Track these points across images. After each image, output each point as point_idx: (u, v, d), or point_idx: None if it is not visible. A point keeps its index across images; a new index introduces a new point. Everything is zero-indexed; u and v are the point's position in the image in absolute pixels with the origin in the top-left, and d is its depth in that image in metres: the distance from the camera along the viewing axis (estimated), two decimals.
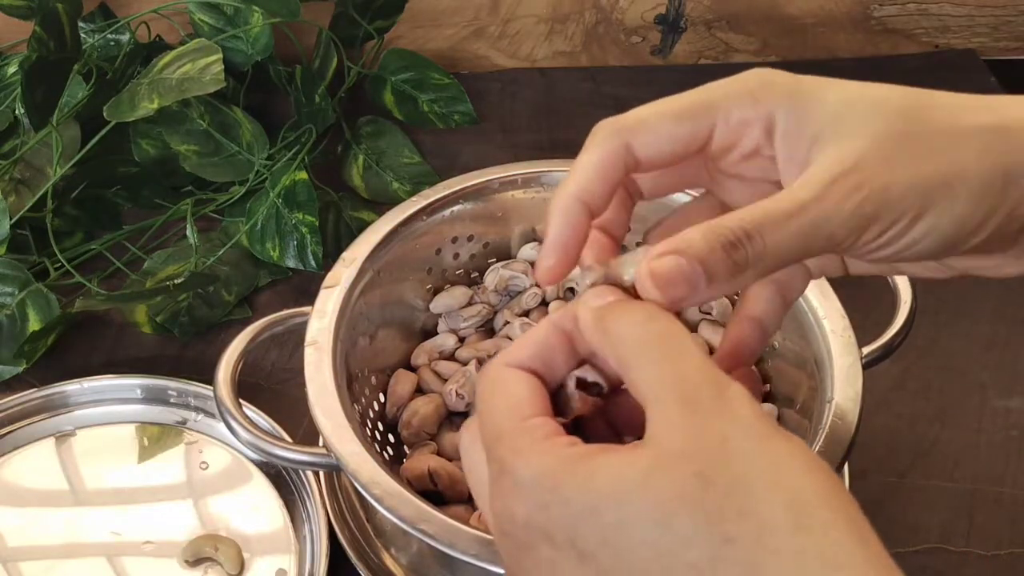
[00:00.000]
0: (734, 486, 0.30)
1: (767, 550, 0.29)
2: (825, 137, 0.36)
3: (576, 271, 0.38)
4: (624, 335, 0.33)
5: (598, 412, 0.37)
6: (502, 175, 0.66)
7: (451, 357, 0.66)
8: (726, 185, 0.40)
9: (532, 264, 0.68)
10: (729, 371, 0.35)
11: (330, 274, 0.60)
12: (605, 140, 0.37)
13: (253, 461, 0.65)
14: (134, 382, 0.69)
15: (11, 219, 0.74)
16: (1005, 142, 0.36)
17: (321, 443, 0.54)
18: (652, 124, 0.37)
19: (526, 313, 0.66)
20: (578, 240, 0.37)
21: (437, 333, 0.67)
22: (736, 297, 0.55)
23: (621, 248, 0.40)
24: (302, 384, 0.54)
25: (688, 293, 0.34)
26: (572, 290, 0.67)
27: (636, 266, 0.35)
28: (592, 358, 0.36)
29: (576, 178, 0.37)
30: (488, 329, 0.67)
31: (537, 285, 0.67)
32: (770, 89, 0.37)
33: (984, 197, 0.36)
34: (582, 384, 0.36)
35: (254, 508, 0.63)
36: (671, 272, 0.33)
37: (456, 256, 0.67)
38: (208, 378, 0.61)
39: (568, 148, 0.64)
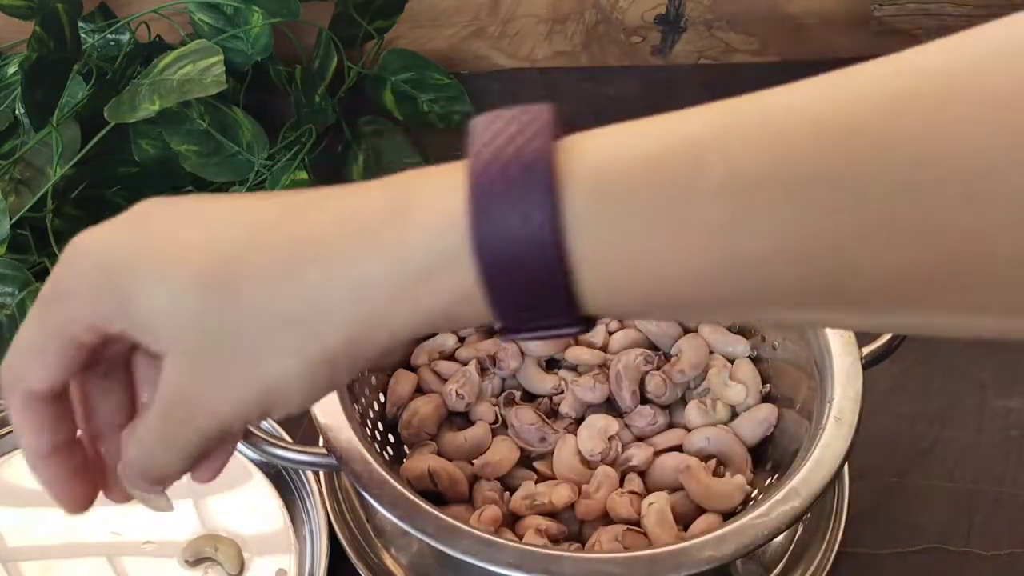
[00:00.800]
0: None
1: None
2: (158, 351, 0.34)
3: None
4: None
5: None
6: None
7: (451, 357, 0.66)
8: (140, 362, 0.39)
9: None
10: None
11: None
12: (12, 402, 0.36)
13: (253, 461, 0.65)
14: None
15: (11, 219, 0.74)
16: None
17: (321, 443, 0.54)
18: (27, 364, 0.35)
19: None
20: (71, 472, 0.39)
21: (437, 333, 0.67)
22: None
23: None
24: None
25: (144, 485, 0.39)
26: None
27: None
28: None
29: (27, 445, 0.37)
30: (488, 329, 0.67)
31: None
32: (86, 301, 0.34)
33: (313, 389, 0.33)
34: None
35: (254, 508, 0.63)
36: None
37: None
38: None
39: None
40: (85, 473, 0.38)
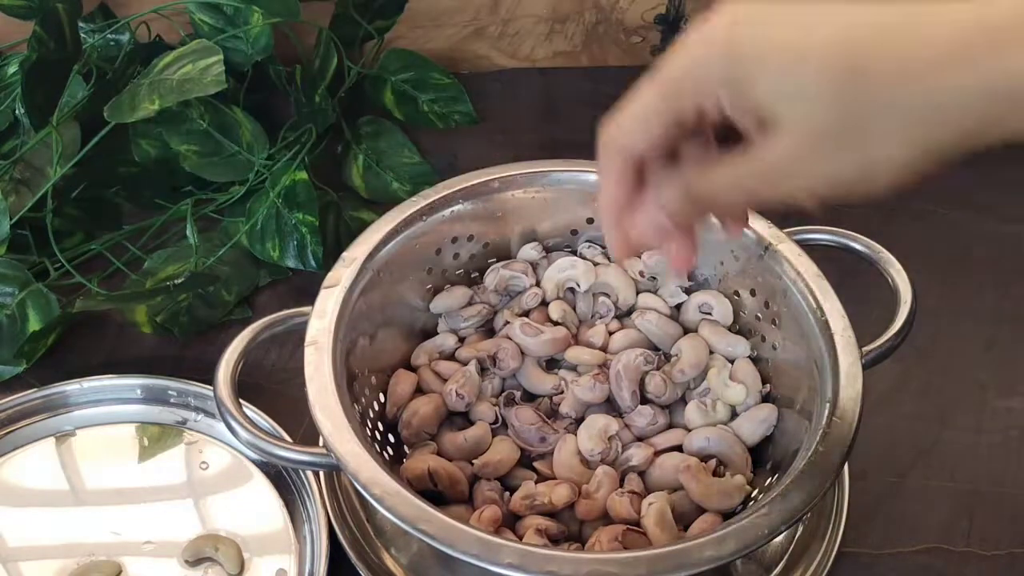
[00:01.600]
0: None
1: None
2: (766, 122, 0.38)
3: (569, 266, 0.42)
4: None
5: None
6: (502, 175, 0.66)
7: (451, 357, 0.66)
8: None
9: (532, 264, 0.68)
10: None
11: (330, 274, 0.60)
12: (610, 160, 0.43)
13: (253, 461, 0.65)
14: (134, 382, 0.69)
15: (11, 219, 0.74)
16: (933, 122, 0.37)
17: (321, 443, 0.54)
18: (629, 130, 0.42)
19: (526, 313, 0.67)
20: (627, 241, 0.46)
21: (437, 333, 0.67)
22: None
23: None
24: (302, 384, 0.54)
25: (659, 238, 0.45)
26: (572, 290, 0.67)
27: None
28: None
29: (606, 194, 0.44)
30: (488, 329, 0.67)
31: (537, 284, 0.67)
32: (705, 74, 0.39)
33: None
34: None
35: (254, 508, 0.63)
36: (644, 228, 0.44)
37: (456, 256, 0.67)
38: (208, 378, 0.61)
39: (568, 148, 0.64)
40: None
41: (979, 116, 0.35)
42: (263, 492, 0.64)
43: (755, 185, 0.40)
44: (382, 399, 0.64)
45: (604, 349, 0.65)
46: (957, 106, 0.35)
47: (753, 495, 0.58)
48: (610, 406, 0.63)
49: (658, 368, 0.63)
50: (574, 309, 0.67)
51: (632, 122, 0.42)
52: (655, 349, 0.65)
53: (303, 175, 0.77)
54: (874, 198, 0.38)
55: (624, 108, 0.42)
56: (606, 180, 0.44)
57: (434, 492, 0.58)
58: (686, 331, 0.65)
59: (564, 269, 0.67)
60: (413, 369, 0.65)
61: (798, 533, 0.60)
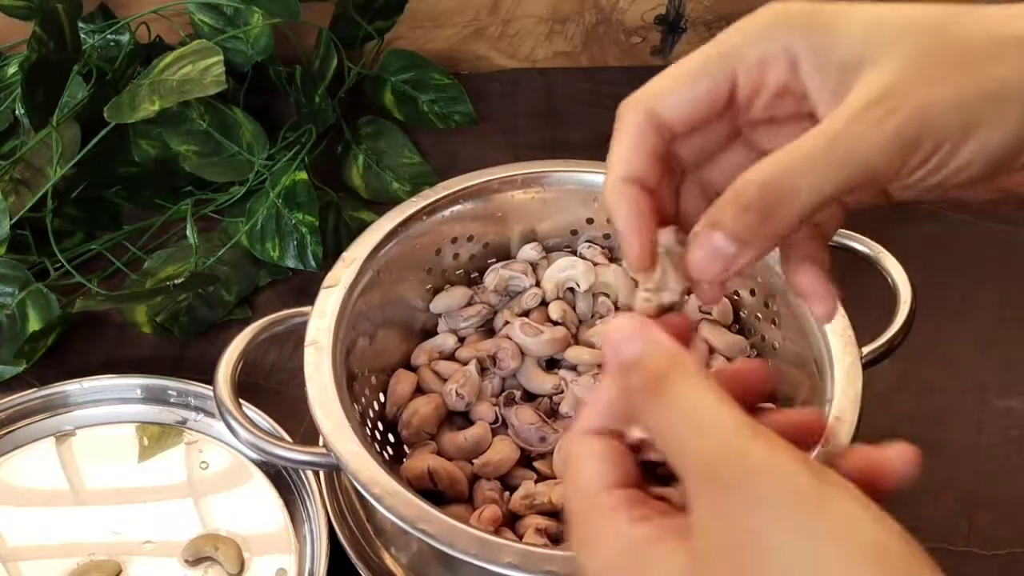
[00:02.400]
0: None
1: None
2: (854, 64, 0.34)
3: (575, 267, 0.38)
4: (658, 423, 0.32)
5: None
6: (502, 175, 0.66)
7: (451, 357, 0.66)
8: (763, 132, 0.39)
9: (532, 264, 0.68)
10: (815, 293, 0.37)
11: (330, 274, 0.60)
12: (630, 116, 0.37)
13: (253, 461, 0.65)
14: (134, 382, 0.69)
15: (11, 219, 0.74)
16: None
17: (321, 443, 0.54)
18: (670, 88, 0.37)
19: (526, 313, 0.67)
20: (646, 219, 0.37)
21: (437, 333, 0.67)
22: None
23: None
24: (302, 384, 0.54)
25: (726, 266, 0.34)
26: (572, 290, 0.67)
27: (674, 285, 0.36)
28: None
29: (616, 164, 0.37)
30: (488, 329, 0.67)
31: (537, 284, 0.67)
32: (786, 22, 0.36)
33: None
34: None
35: (254, 508, 0.63)
36: (704, 260, 0.34)
37: (456, 256, 0.67)
38: (208, 378, 0.61)
39: (568, 148, 0.64)
40: (650, 218, 0.37)
41: None
42: (263, 492, 0.64)
43: (851, 147, 0.33)
44: (382, 399, 0.64)
45: None
46: None
47: None
48: None
49: None
50: (574, 309, 0.67)
51: (668, 80, 0.36)
52: None
53: (303, 175, 0.77)
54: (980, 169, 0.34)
55: (668, 70, 0.37)
56: (616, 144, 0.37)
57: (434, 492, 0.58)
58: None
59: (564, 269, 0.67)
60: (413, 369, 0.65)
61: None
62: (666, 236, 0.37)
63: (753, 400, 0.35)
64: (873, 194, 0.38)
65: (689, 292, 0.37)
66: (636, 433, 0.35)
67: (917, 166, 0.34)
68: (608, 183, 0.37)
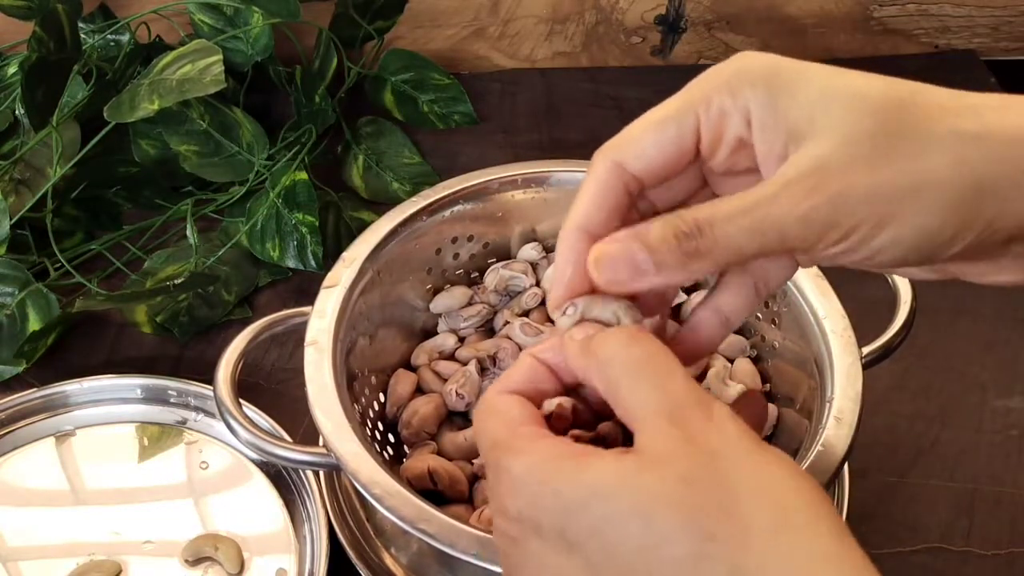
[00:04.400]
0: (717, 488, 0.30)
1: (750, 549, 0.30)
2: (798, 133, 0.35)
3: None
4: (611, 357, 0.34)
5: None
6: (502, 175, 0.66)
7: (451, 357, 0.66)
8: (725, 183, 0.39)
9: (532, 264, 0.68)
10: (685, 360, 0.37)
11: (330, 274, 0.60)
12: (598, 166, 0.37)
13: (253, 461, 0.65)
14: (134, 382, 0.69)
15: (11, 219, 0.74)
16: (982, 151, 0.34)
17: (321, 443, 0.54)
18: (637, 137, 0.37)
19: (526, 313, 0.66)
20: (582, 271, 0.37)
21: (437, 333, 0.67)
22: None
23: None
24: (302, 384, 0.54)
25: (631, 277, 0.35)
26: None
27: (614, 306, 0.37)
28: (577, 388, 0.37)
29: (576, 210, 0.38)
30: (488, 329, 0.67)
31: (537, 284, 0.67)
32: (748, 78, 0.36)
33: (955, 209, 0.34)
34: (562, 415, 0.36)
35: (254, 508, 0.63)
36: (616, 255, 0.35)
37: (456, 256, 0.67)
38: (208, 378, 0.61)
39: (568, 148, 0.64)
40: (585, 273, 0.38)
41: None
42: (263, 492, 0.64)
43: (770, 216, 0.34)
44: (382, 399, 0.64)
45: None
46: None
47: None
48: None
49: None
50: None
51: (638, 128, 0.37)
52: None
53: (303, 175, 0.77)
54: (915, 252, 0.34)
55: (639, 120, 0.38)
56: (581, 192, 0.37)
57: (434, 492, 0.58)
58: None
59: None
60: (413, 369, 0.65)
61: None
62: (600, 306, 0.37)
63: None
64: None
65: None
66: (549, 406, 0.36)
67: (832, 244, 0.35)
68: (564, 228, 0.38)
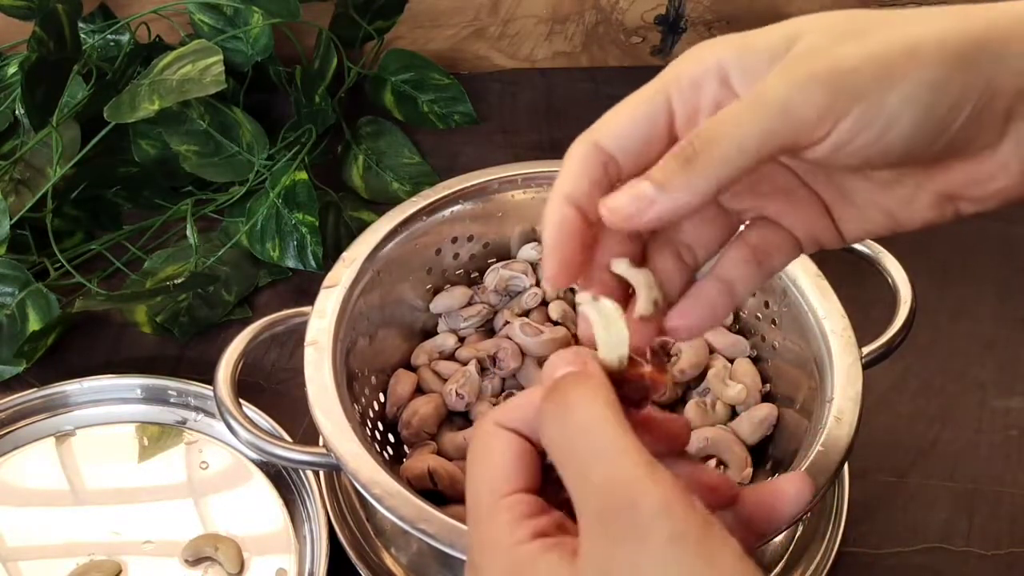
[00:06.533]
0: None
1: None
2: (780, 52, 0.35)
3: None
4: (552, 438, 0.34)
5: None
6: (502, 175, 0.66)
7: (451, 357, 0.66)
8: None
9: (532, 264, 0.68)
10: (688, 333, 0.37)
11: (330, 274, 0.60)
12: (575, 147, 0.38)
13: (253, 461, 0.65)
14: (134, 382, 0.69)
15: (11, 219, 0.74)
16: (973, 16, 0.34)
17: (321, 443, 0.54)
18: (610, 119, 0.38)
19: (526, 313, 0.67)
20: (572, 241, 0.37)
21: (437, 333, 0.67)
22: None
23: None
24: (302, 384, 0.54)
25: (639, 208, 0.35)
26: (573, 290, 0.67)
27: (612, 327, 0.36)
28: None
29: (560, 182, 0.38)
30: (488, 329, 0.67)
31: (537, 284, 0.67)
32: (713, 44, 0.37)
33: (956, 63, 0.34)
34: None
35: (254, 508, 0.63)
36: (623, 191, 0.35)
37: (456, 256, 0.67)
38: (208, 378, 0.61)
39: (568, 148, 0.64)
40: (578, 241, 0.37)
41: None
42: (263, 492, 0.64)
43: (767, 95, 0.34)
44: (382, 399, 0.64)
45: None
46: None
47: None
48: None
49: None
50: (574, 309, 0.67)
51: (612, 112, 0.38)
52: None
53: (303, 175, 0.77)
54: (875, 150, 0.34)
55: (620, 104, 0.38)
56: (562, 171, 0.38)
57: (434, 492, 0.58)
58: None
59: None
60: (413, 369, 0.65)
61: (798, 533, 0.60)
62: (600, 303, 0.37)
63: (666, 451, 0.35)
64: (825, 234, 0.40)
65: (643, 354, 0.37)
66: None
67: (842, 117, 0.34)
68: (550, 198, 0.38)
